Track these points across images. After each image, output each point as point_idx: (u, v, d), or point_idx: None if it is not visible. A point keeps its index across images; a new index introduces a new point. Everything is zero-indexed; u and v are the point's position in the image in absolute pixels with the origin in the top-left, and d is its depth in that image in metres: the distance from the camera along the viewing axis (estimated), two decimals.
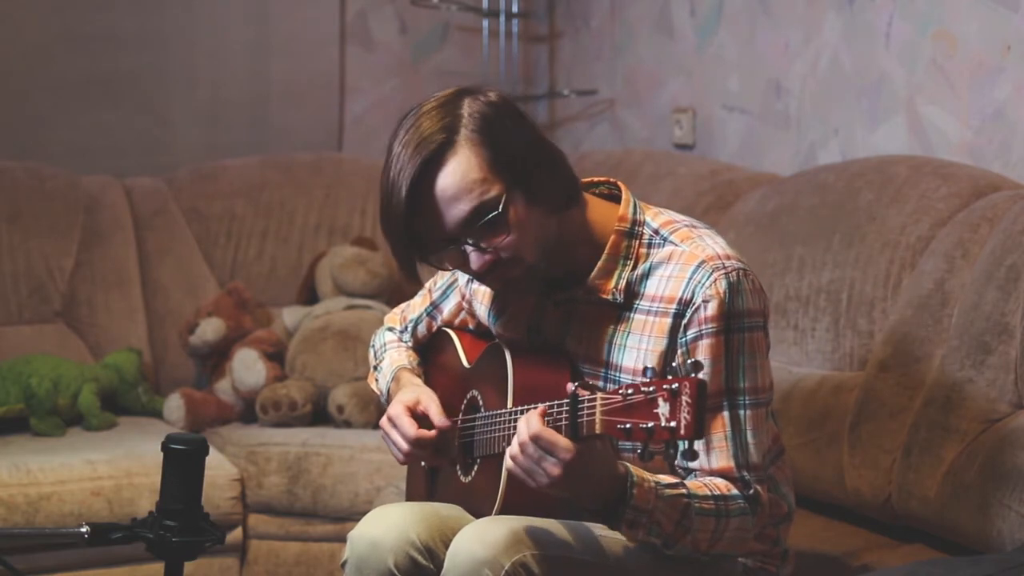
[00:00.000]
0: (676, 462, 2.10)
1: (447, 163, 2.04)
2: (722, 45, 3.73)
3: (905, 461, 2.59)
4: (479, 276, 2.12)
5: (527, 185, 2.06)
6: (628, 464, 1.98)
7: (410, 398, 2.25)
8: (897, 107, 3.18)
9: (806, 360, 2.89)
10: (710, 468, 2.07)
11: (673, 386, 1.80)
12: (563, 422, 1.92)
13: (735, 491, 2.06)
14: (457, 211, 2.04)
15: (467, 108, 2.06)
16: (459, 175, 2.03)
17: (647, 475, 1.99)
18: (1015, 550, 2.25)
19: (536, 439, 1.92)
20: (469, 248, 2.07)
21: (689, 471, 2.10)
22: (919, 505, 2.55)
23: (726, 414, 2.07)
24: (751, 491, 2.07)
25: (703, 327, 2.07)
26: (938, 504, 2.51)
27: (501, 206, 2.04)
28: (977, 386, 2.50)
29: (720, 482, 2.06)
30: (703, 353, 2.06)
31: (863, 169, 2.99)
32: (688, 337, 2.08)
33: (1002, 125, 2.93)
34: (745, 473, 2.08)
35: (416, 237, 2.08)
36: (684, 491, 2.01)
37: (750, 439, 2.08)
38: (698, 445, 2.03)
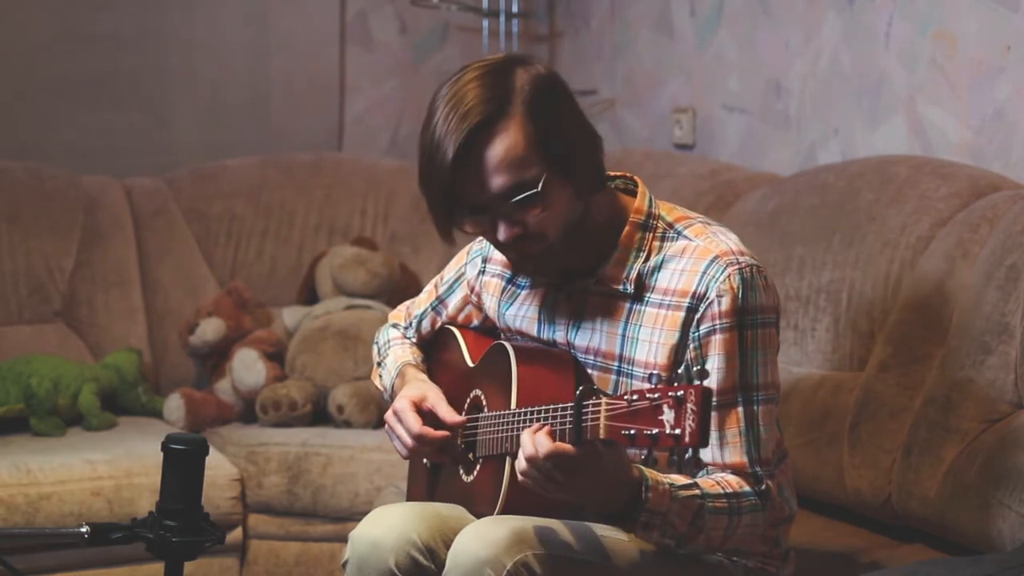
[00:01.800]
0: (704, 459, 2.11)
1: (496, 134, 2.04)
2: (722, 45, 3.73)
3: (905, 461, 2.59)
4: (501, 245, 2.12)
5: (566, 167, 2.07)
6: (642, 467, 1.98)
7: (416, 394, 2.26)
8: (897, 107, 3.18)
9: (806, 360, 2.89)
10: (723, 463, 2.08)
11: (679, 393, 1.80)
12: (567, 426, 1.92)
13: (746, 488, 2.07)
14: (497, 182, 2.05)
15: (519, 79, 2.06)
16: (505, 148, 2.04)
17: (661, 477, 1.99)
18: (1015, 550, 2.25)
19: (549, 458, 1.91)
20: (500, 218, 2.08)
21: (702, 464, 2.10)
22: (919, 505, 2.55)
23: (741, 410, 2.08)
24: (763, 486, 2.08)
25: (716, 322, 2.07)
26: (938, 504, 2.51)
27: (540, 185, 2.05)
28: (977, 386, 2.50)
29: (732, 479, 2.07)
30: (717, 348, 2.07)
31: (863, 169, 2.99)
32: (701, 332, 2.08)
33: (1002, 125, 2.93)
34: (758, 468, 2.08)
35: (453, 196, 2.07)
36: (697, 491, 2.01)
37: (763, 435, 2.09)
38: (712, 439, 2.04)
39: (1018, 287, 2.49)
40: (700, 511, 2.01)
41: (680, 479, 2.02)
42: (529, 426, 1.98)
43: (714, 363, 2.07)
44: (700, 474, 2.10)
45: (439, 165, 2.05)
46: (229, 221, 3.98)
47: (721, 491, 2.04)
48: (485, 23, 4.41)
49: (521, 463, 1.94)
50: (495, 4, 4.37)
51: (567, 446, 1.91)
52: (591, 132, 2.14)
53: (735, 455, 2.07)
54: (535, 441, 1.92)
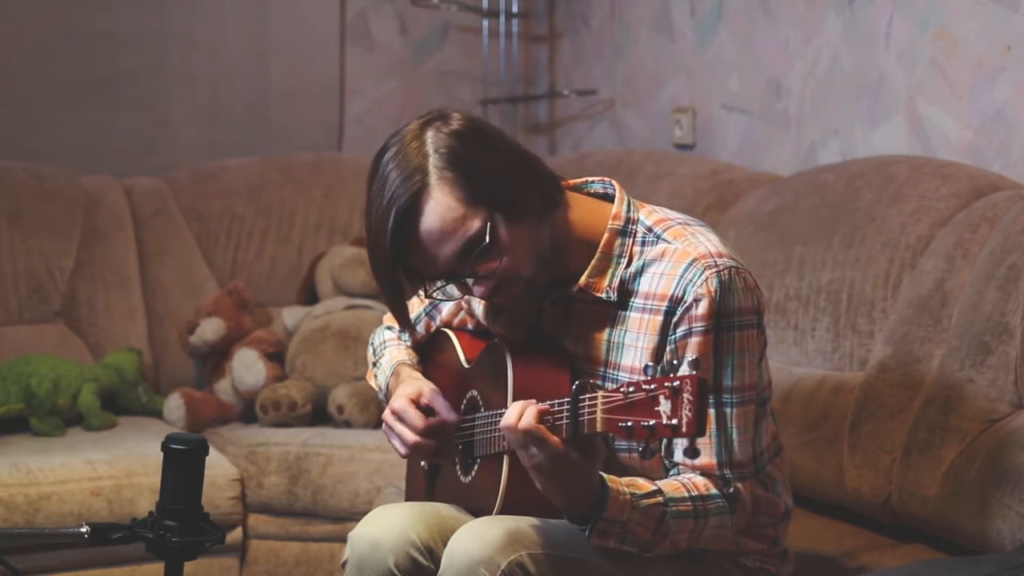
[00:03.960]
0: (675, 458, 2.11)
1: (425, 208, 2.04)
2: (722, 45, 3.73)
3: (905, 461, 2.59)
4: (485, 299, 2.15)
5: (507, 206, 2.06)
6: (604, 475, 1.99)
7: (412, 391, 2.26)
8: (897, 107, 3.18)
9: (806, 360, 2.89)
10: (692, 463, 2.08)
11: (675, 384, 1.80)
12: (564, 420, 1.92)
13: (713, 490, 2.06)
14: (447, 251, 2.06)
15: (431, 144, 2.05)
16: (439, 217, 2.04)
17: (623, 486, 1.99)
18: (1015, 550, 2.25)
19: (526, 433, 1.93)
20: (469, 280, 2.09)
21: (672, 465, 2.11)
22: (919, 505, 2.55)
23: (712, 411, 2.07)
24: (731, 489, 2.08)
25: (693, 325, 2.07)
26: (938, 504, 2.51)
27: (488, 237, 2.05)
28: (977, 386, 2.50)
29: (699, 480, 2.07)
30: (692, 351, 2.07)
31: (863, 169, 2.99)
32: (678, 335, 2.08)
33: (1002, 125, 2.93)
34: (726, 471, 2.08)
35: (411, 276, 2.10)
36: (660, 499, 2.01)
37: (735, 437, 2.08)
38: (681, 440, 2.03)
39: (1018, 287, 2.49)
40: (663, 518, 2.01)
41: (644, 486, 2.02)
42: None
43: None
44: (671, 472, 2.10)
45: (383, 252, 2.06)
46: (229, 221, 3.98)
47: (686, 494, 2.04)
48: (485, 23, 4.42)
49: (505, 422, 1.95)
50: (495, 4, 4.37)
51: (550, 436, 1.91)
52: (524, 158, 2.12)
53: (704, 457, 2.07)
54: (522, 413, 1.93)
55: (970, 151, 3.00)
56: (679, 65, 3.90)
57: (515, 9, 4.37)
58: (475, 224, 2.05)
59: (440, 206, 2.04)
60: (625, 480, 2.01)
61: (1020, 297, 2.48)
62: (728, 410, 2.08)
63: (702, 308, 2.07)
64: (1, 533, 2.29)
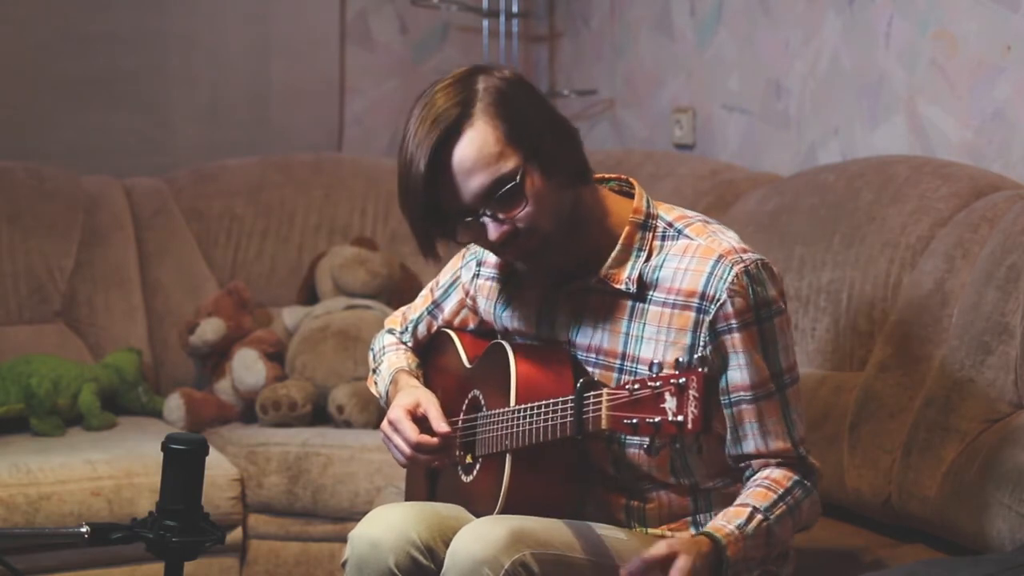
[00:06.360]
0: (728, 451, 2.14)
1: (464, 136, 2.06)
2: (722, 45, 3.73)
3: (905, 461, 2.59)
4: (497, 246, 2.13)
5: (543, 157, 2.08)
6: (710, 531, 2.01)
7: (410, 401, 2.25)
8: (897, 107, 3.18)
9: (806, 360, 2.89)
10: (768, 450, 2.12)
11: (680, 380, 1.82)
12: (568, 419, 1.93)
13: (793, 477, 2.11)
14: (475, 183, 2.06)
15: (482, 83, 2.09)
16: (476, 148, 2.06)
17: (728, 526, 2.02)
18: (1015, 550, 2.25)
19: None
20: (487, 219, 2.08)
21: (745, 457, 2.13)
22: (919, 505, 2.55)
23: (777, 398, 2.12)
24: (808, 464, 2.14)
25: (733, 321, 2.09)
26: (938, 504, 2.51)
27: (518, 177, 2.06)
28: (977, 386, 2.50)
29: (778, 475, 2.11)
30: (738, 347, 2.10)
31: (863, 169, 2.99)
32: (717, 331, 2.10)
33: (1002, 125, 2.93)
34: (801, 449, 2.14)
35: (435, 210, 2.09)
36: (760, 517, 2.06)
37: (794, 415, 2.14)
38: (753, 431, 2.10)
39: (1018, 287, 2.49)
40: (769, 531, 2.06)
41: (740, 512, 2.05)
42: (530, 421, 2.03)
43: (739, 361, 2.10)
44: (746, 473, 2.13)
45: (415, 179, 2.06)
46: (229, 221, 3.98)
47: (776, 497, 2.09)
48: (485, 23, 4.42)
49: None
50: (495, 4, 4.37)
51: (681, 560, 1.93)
52: (566, 126, 2.15)
53: (779, 441, 2.12)
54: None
55: (970, 151, 3.00)
56: (679, 65, 3.90)
57: (515, 9, 4.37)
58: (509, 164, 2.06)
59: (480, 136, 2.06)
60: (721, 517, 2.05)
61: (1020, 297, 2.48)
62: (787, 392, 2.13)
63: (739, 304, 2.09)
64: (1, 533, 2.29)
